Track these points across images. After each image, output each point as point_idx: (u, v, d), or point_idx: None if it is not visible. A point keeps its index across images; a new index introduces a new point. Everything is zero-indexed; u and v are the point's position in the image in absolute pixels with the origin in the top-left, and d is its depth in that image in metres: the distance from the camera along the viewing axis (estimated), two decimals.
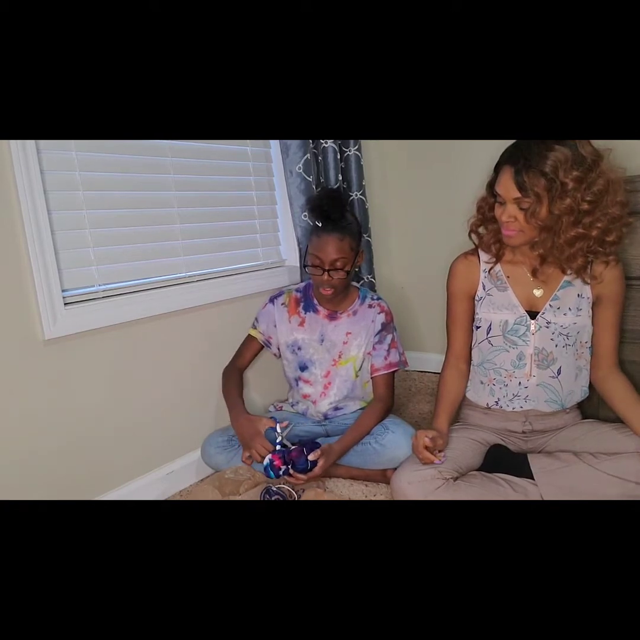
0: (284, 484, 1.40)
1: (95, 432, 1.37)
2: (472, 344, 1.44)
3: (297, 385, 1.64)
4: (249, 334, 1.65)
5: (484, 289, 1.39)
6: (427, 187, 2.13)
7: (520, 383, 1.37)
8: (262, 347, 1.65)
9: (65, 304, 1.29)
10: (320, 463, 1.37)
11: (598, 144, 1.18)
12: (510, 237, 1.27)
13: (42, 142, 1.23)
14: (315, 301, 1.61)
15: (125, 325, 1.41)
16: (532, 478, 1.27)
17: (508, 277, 1.37)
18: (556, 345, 1.34)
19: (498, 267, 1.38)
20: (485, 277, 1.39)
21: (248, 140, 1.74)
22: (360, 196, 1.88)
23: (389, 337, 1.59)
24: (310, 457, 1.35)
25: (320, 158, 1.78)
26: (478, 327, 1.41)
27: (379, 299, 1.62)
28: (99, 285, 1.37)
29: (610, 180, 1.19)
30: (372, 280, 1.97)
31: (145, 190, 1.48)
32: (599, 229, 1.21)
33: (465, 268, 1.42)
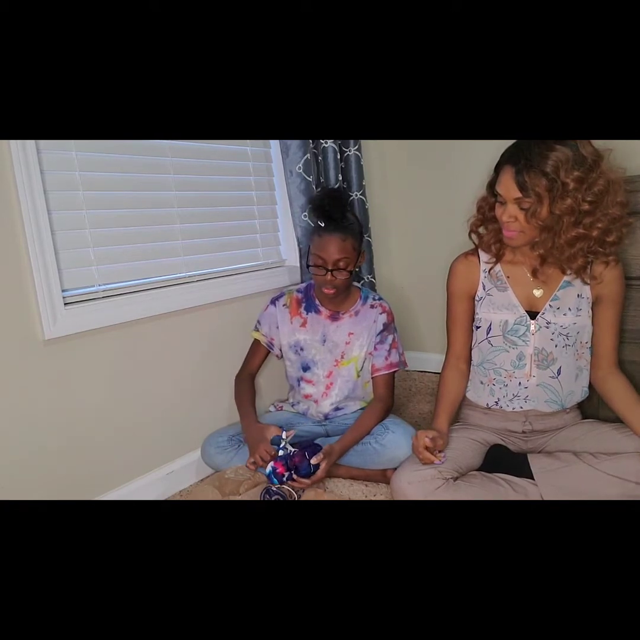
0: (284, 484, 1.40)
1: (95, 432, 1.37)
2: (472, 344, 1.44)
3: (299, 385, 1.64)
4: (254, 339, 1.65)
5: (484, 289, 1.39)
6: (427, 187, 2.13)
7: (520, 383, 1.37)
8: (269, 350, 1.65)
9: (65, 304, 1.29)
10: (323, 465, 1.37)
11: (598, 144, 1.18)
12: (511, 237, 1.27)
13: (42, 142, 1.23)
14: (317, 302, 1.61)
15: (126, 325, 1.41)
16: (532, 478, 1.27)
17: (508, 277, 1.37)
18: (556, 346, 1.34)
19: (498, 267, 1.38)
20: (485, 277, 1.39)
21: (248, 140, 1.74)
22: (360, 196, 1.89)
23: (390, 337, 1.59)
24: (313, 460, 1.36)
25: (320, 158, 1.78)
26: (478, 327, 1.41)
27: (380, 299, 1.62)
28: (99, 285, 1.37)
29: (610, 180, 1.19)
30: (372, 280, 1.98)
31: (145, 190, 1.48)
32: (600, 230, 1.21)
33: (465, 268, 1.42)
